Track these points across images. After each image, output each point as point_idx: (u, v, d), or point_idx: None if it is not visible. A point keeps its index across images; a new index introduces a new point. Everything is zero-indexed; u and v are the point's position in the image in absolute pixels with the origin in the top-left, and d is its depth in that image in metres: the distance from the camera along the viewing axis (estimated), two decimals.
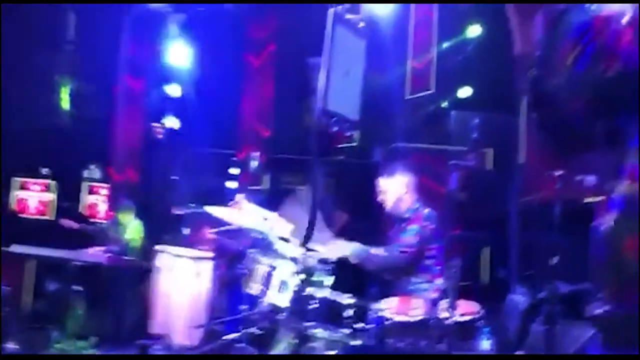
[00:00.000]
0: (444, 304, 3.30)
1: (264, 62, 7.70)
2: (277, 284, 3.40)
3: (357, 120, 2.17)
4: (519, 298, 3.63)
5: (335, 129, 2.02)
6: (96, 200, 8.76)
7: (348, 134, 1.99)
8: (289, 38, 7.64)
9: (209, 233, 4.40)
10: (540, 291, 3.60)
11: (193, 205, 7.21)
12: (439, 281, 3.53)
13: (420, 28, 7.03)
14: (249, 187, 7.40)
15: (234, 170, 7.20)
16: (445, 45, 6.94)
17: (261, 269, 3.49)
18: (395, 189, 3.81)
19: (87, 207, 8.73)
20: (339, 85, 2.01)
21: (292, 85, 6.84)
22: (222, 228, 4.25)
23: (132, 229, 6.57)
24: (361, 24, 2.15)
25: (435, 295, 3.56)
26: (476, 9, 6.75)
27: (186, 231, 6.75)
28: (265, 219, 3.84)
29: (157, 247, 5.50)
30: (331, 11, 2.08)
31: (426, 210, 3.75)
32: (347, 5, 2.10)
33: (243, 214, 3.99)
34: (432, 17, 7.02)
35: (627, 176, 1.09)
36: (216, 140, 7.93)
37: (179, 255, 5.20)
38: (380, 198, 3.89)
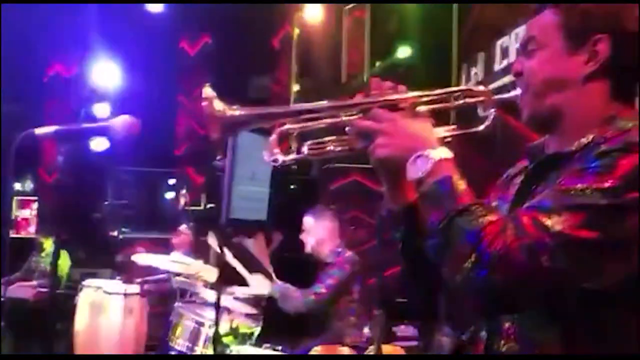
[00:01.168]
0: (370, 350, 3.37)
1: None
2: (203, 340, 3.38)
3: (264, 220, 2.16)
4: (445, 340, 3.74)
5: (240, 237, 2.02)
6: (29, 215, 8.43)
7: (255, 236, 1.99)
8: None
9: (138, 281, 4.31)
10: (463, 333, 3.69)
11: (126, 230, 7.10)
12: (365, 328, 3.59)
13: (353, 50, 7.14)
14: (190, 209, 7.35)
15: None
16: (376, 66, 7.05)
17: (187, 325, 3.46)
18: (316, 232, 3.82)
19: (17, 224, 8.42)
20: (245, 190, 2.01)
21: None
22: (151, 278, 4.19)
23: (61, 259, 6.36)
24: None
25: (362, 340, 3.63)
26: (405, 33, 6.86)
27: (119, 258, 6.65)
28: (192, 267, 3.80)
29: (85, 282, 5.35)
30: None
31: (348, 254, 3.78)
32: None
33: (171, 261, 3.94)
34: (364, 35, 7.15)
35: None
36: (150, 160, 7.81)
37: (108, 292, 5.08)
38: (302, 236, 3.90)
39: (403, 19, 6.88)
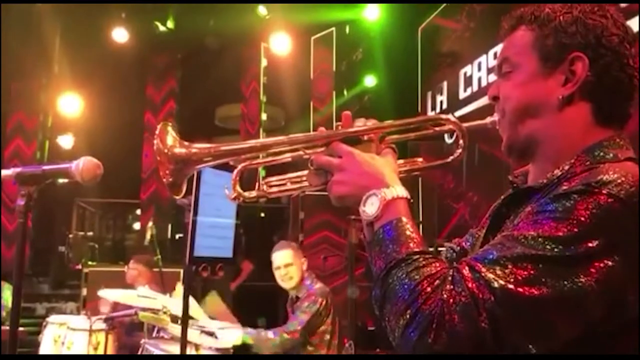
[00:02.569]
0: None
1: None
2: None
3: (230, 257, 2.15)
4: None
5: (205, 274, 2.00)
6: None
7: (221, 273, 1.96)
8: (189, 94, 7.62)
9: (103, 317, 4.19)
10: None
11: (93, 263, 6.95)
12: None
13: (320, 80, 7.24)
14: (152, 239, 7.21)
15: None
16: (343, 95, 7.16)
17: None
18: (300, 264, 3.79)
19: None
20: (210, 226, 2.00)
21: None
22: (118, 313, 4.08)
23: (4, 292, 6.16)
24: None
25: None
26: (371, 62, 6.97)
27: (84, 291, 6.49)
28: (159, 301, 3.72)
29: (49, 318, 5.19)
30: None
31: (317, 286, 3.75)
32: None
33: (138, 296, 3.85)
34: (331, 65, 7.26)
35: None
36: (117, 191, 7.70)
37: (72, 329, 4.93)
38: (283, 273, 3.85)
39: (369, 49, 7.01)
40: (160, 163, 1.19)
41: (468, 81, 5.78)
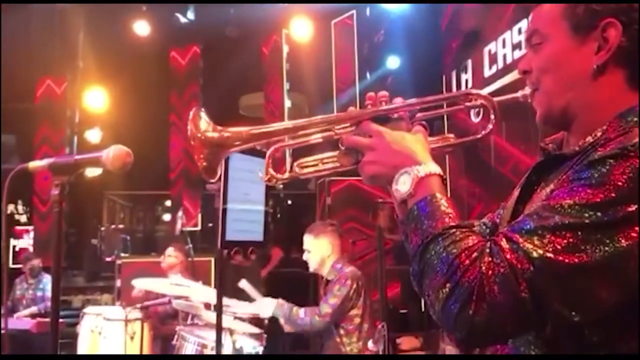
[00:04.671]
0: None
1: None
2: None
3: (261, 241, 2.15)
4: (449, 348, 3.71)
5: (238, 258, 2.01)
6: (27, 245, 8.40)
7: (253, 257, 1.97)
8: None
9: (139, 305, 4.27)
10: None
11: (125, 255, 7.07)
12: (370, 343, 3.56)
13: (342, 64, 7.20)
14: (183, 229, 7.31)
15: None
16: (366, 78, 7.12)
17: (190, 348, 3.44)
18: (319, 250, 3.77)
19: (17, 253, 8.38)
20: (240, 211, 2.00)
21: None
22: (152, 302, 4.16)
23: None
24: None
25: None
26: (393, 43, 6.90)
27: (118, 283, 6.61)
28: (192, 289, 3.77)
29: (86, 309, 5.31)
30: None
31: (348, 269, 3.72)
32: None
33: (171, 284, 3.91)
34: (352, 49, 7.22)
35: None
36: (146, 183, 7.80)
37: (108, 319, 5.03)
38: (305, 257, 3.85)
39: (390, 30, 6.94)
40: (194, 148, 1.20)
41: (493, 58, 5.69)
